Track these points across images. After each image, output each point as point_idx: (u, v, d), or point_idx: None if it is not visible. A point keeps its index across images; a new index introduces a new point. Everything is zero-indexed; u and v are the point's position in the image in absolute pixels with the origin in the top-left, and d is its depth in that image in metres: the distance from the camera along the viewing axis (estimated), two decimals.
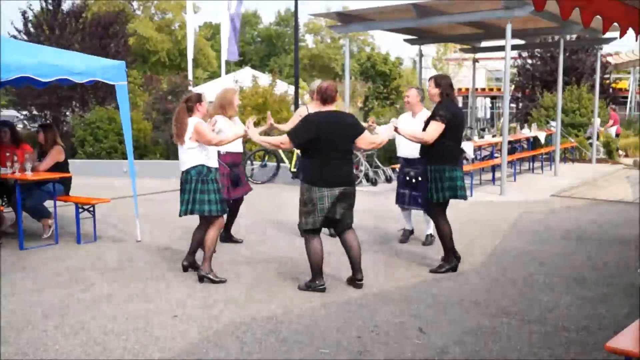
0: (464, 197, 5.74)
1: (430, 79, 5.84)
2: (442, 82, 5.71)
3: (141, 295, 5.08)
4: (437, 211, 5.74)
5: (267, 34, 52.01)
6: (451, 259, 5.74)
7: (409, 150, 6.45)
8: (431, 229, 6.80)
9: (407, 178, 6.71)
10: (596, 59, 15.36)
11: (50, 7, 16.94)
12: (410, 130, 5.82)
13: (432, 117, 5.60)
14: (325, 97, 5.16)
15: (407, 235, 7.05)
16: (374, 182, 11.64)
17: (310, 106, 6.81)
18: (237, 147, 6.58)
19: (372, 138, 5.28)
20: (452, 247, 5.74)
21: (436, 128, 5.49)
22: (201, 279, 5.41)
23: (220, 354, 3.90)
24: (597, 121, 15.40)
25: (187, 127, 5.39)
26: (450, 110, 5.54)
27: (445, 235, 5.68)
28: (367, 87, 24.02)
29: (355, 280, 5.27)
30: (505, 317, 4.53)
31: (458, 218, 8.32)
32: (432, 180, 5.61)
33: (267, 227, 7.81)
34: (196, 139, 5.38)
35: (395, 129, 5.63)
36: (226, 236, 6.90)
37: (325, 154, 5.00)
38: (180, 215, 5.52)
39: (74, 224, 7.09)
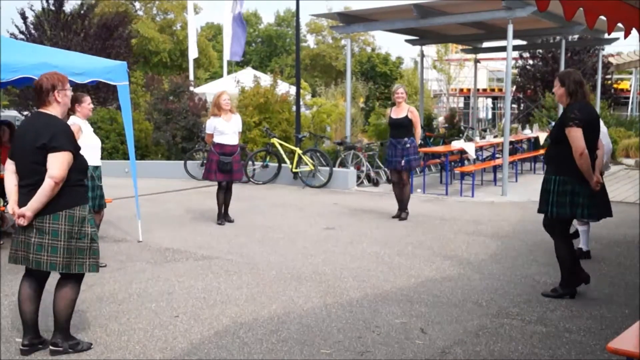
0: None
1: (556, 76, 4.97)
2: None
3: (143, 295, 5.08)
4: None
5: (268, 35, 51.94)
6: None
7: None
8: (582, 243, 6.20)
9: None
10: (598, 60, 15.34)
11: (52, 8, 16.94)
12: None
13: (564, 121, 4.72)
14: None
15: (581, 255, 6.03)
16: (375, 183, 11.63)
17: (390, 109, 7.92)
18: (233, 140, 7.78)
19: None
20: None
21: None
22: None
23: (222, 354, 3.90)
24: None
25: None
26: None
27: None
28: (368, 88, 24.05)
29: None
30: (506, 318, 4.53)
31: (460, 218, 8.34)
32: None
33: (268, 227, 7.81)
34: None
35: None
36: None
37: None
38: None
39: None
